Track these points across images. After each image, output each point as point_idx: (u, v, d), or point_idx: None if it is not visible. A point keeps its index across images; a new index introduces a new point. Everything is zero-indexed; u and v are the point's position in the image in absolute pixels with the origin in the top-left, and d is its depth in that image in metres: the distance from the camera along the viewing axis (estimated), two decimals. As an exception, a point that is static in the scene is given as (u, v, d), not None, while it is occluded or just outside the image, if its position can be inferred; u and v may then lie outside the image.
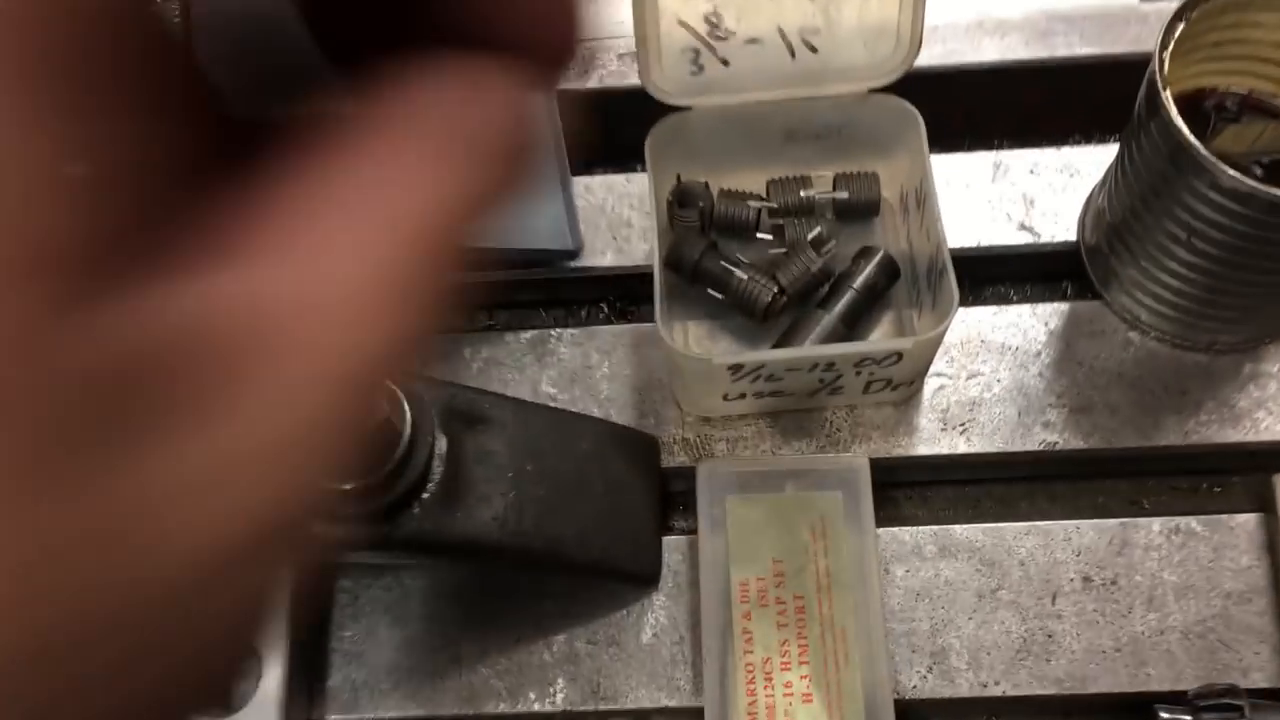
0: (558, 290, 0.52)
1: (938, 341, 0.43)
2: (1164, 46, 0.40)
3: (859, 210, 0.49)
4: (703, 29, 0.42)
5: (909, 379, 0.45)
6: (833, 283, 0.47)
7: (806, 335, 0.45)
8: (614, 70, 0.54)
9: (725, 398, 0.45)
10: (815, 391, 0.45)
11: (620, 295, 0.52)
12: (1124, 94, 0.44)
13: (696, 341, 0.49)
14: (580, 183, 0.51)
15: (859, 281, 0.47)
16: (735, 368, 0.41)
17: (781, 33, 0.44)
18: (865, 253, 0.48)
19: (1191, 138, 0.38)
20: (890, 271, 0.47)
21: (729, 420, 0.47)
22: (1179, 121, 0.38)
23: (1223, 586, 0.43)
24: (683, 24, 0.42)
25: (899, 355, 0.42)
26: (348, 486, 0.34)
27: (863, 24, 0.44)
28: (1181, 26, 0.41)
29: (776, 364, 0.42)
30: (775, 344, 0.46)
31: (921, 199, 0.45)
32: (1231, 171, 0.37)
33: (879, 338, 0.48)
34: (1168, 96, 0.39)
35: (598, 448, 0.45)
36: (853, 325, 0.47)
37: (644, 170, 0.45)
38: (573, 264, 0.51)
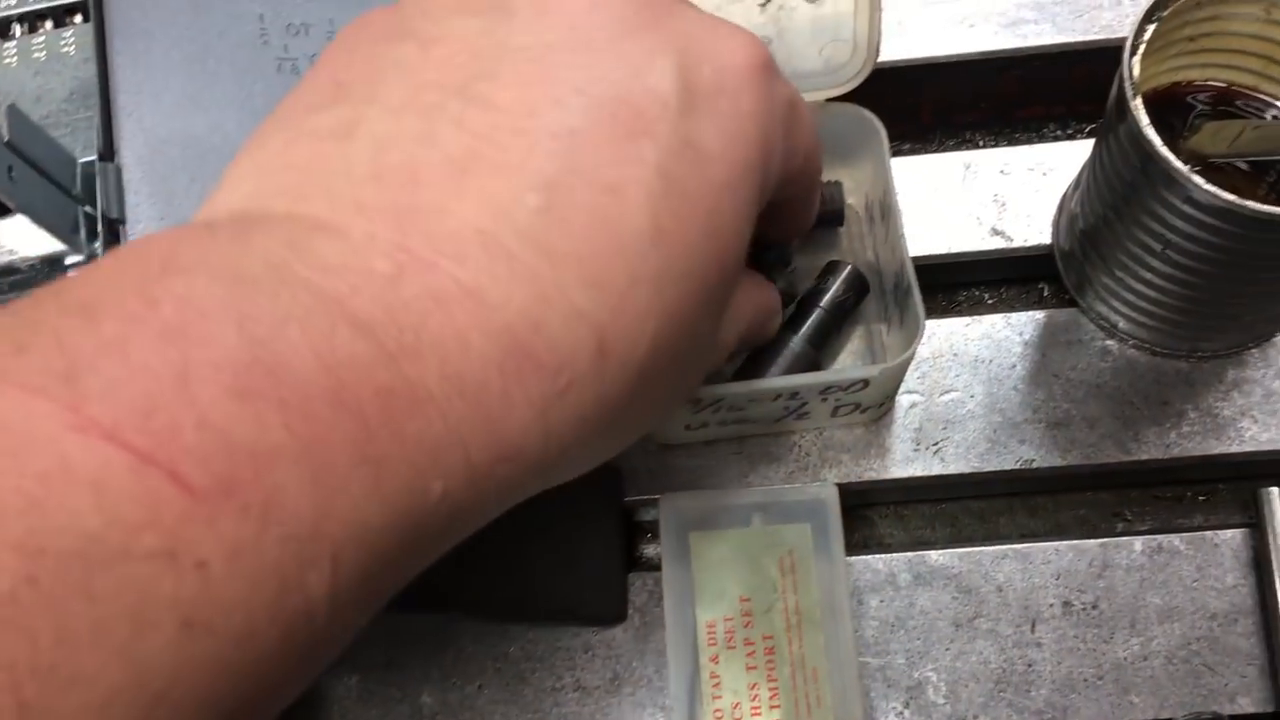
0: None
1: (905, 366, 0.41)
2: (1133, 51, 0.38)
3: (823, 220, 0.47)
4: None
5: (878, 401, 0.43)
6: (799, 300, 0.45)
7: (771, 361, 0.43)
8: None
9: (688, 427, 0.43)
10: (781, 418, 0.43)
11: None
12: (1099, 80, 0.42)
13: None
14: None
15: (826, 300, 0.45)
16: (693, 401, 0.40)
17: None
18: (832, 268, 0.45)
19: (1164, 149, 0.36)
20: (859, 287, 0.45)
21: (692, 448, 0.45)
22: (1150, 134, 0.36)
23: (1207, 607, 0.42)
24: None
25: (865, 382, 0.40)
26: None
27: (816, 32, 0.41)
28: (1152, 27, 0.38)
29: (737, 397, 0.40)
30: (738, 371, 0.44)
31: (886, 210, 0.43)
32: (1206, 185, 0.35)
33: (848, 356, 0.46)
34: (1138, 105, 0.37)
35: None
36: (821, 346, 0.45)
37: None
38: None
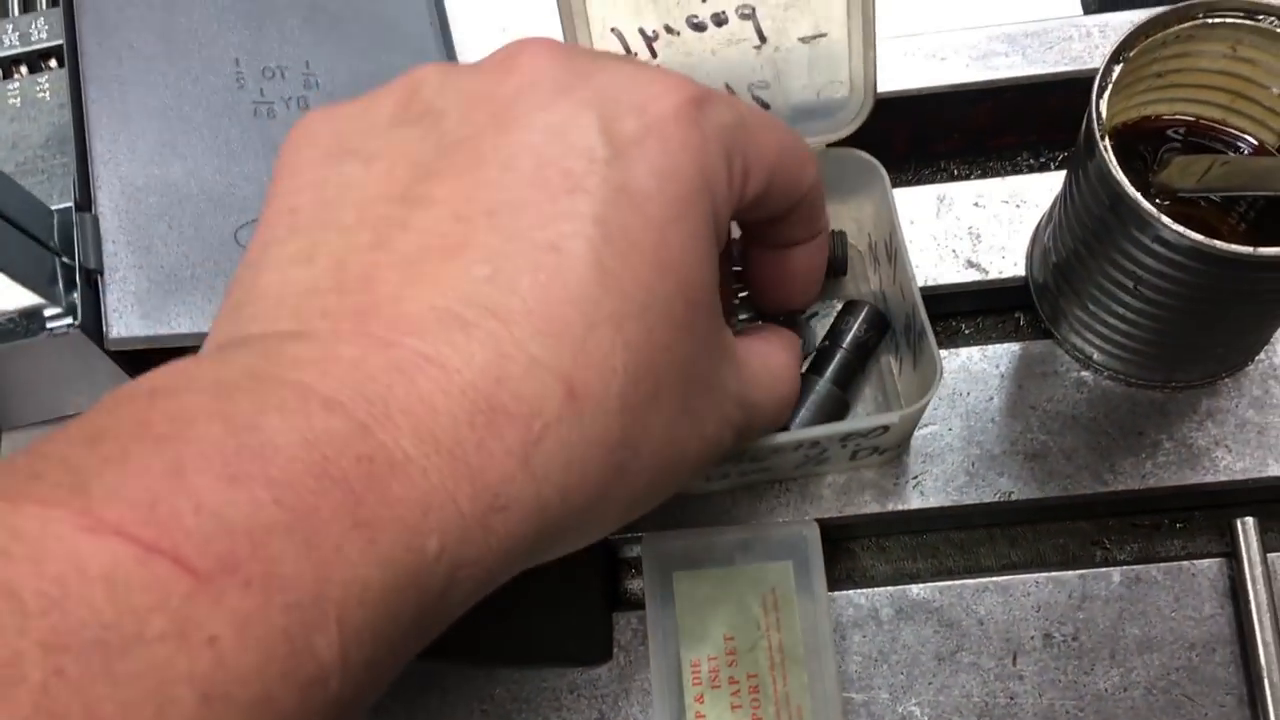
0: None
1: (923, 410, 0.41)
2: (1100, 91, 0.38)
3: (828, 269, 0.47)
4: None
5: (896, 444, 0.43)
6: (821, 343, 0.46)
7: (800, 404, 0.44)
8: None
9: (708, 479, 0.43)
10: (801, 465, 0.43)
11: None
12: (1071, 110, 0.42)
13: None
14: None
15: (848, 340, 0.45)
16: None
17: (729, 88, 0.42)
18: (851, 308, 0.46)
19: (1132, 190, 0.37)
20: (880, 326, 0.45)
21: (675, 486, 0.45)
22: (1119, 175, 0.37)
23: (1186, 637, 0.42)
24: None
25: (886, 428, 0.40)
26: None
27: (813, 74, 0.42)
28: (1119, 67, 0.39)
29: (760, 449, 0.40)
30: None
31: (892, 253, 0.43)
32: (1175, 226, 0.36)
33: (868, 395, 0.46)
34: (1106, 146, 0.37)
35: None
36: (847, 385, 0.45)
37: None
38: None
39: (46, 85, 0.47)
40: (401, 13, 0.53)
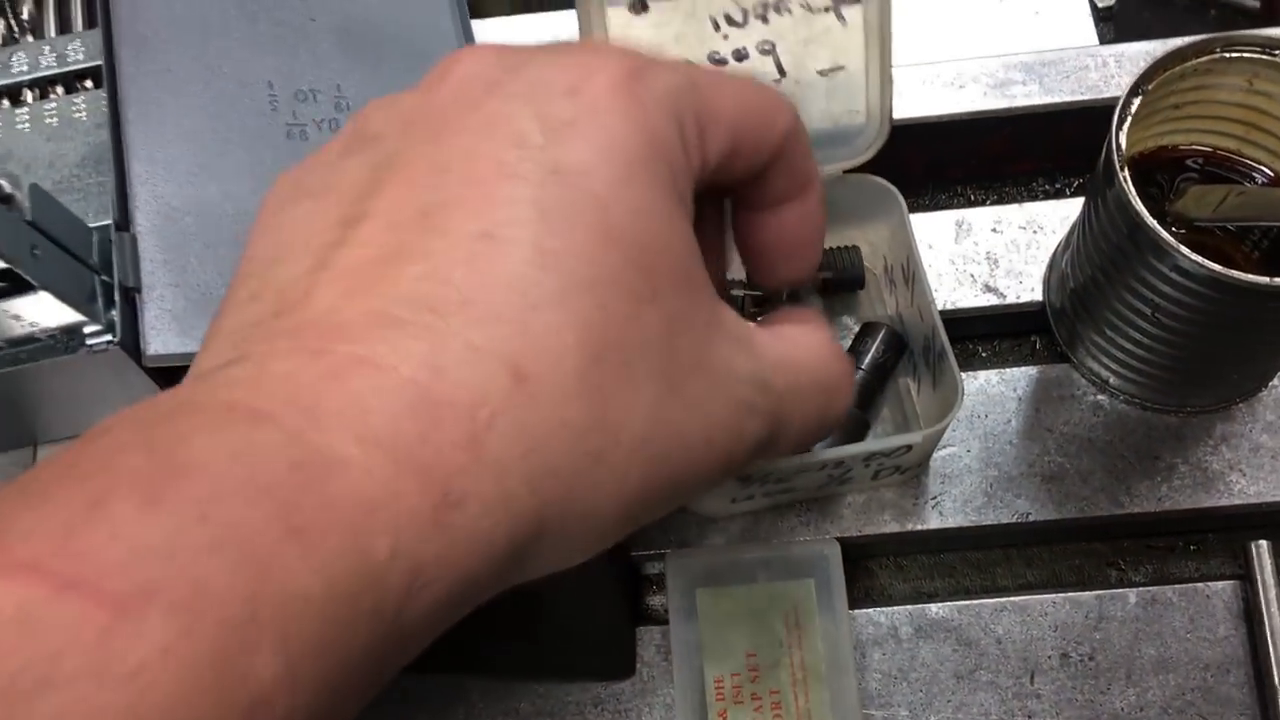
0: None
1: (944, 430, 0.42)
2: (1120, 123, 0.39)
3: (844, 286, 0.48)
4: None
5: (917, 463, 0.44)
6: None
7: None
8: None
9: (734, 500, 0.44)
10: (824, 485, 0.44)
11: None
12: (1087, 139, 0.43)
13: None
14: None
15: (867, 361, 0.46)
16: (744, 478, 0.41)
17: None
18: (869, 329, 0.47)
19: (1151, 220, 0.37)
20: (898, 347, 0.46)
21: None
22: (1138, 205, 0.38)
23: (1201, 658, 0.43)
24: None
25: (909, 447, 0.41)
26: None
27: (831, 105, 0.43)
28: (1138, 100, 0.40)
29: (786, 470, 0.40)
30: None
31: (909, 275, 0.44)
32: (1193, 255, 0.37)
33: (886, 416, 0.47)
34: (1125, 177, 0.38)
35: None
36: (867, 407, 0.46)
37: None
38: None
39: (83, 105, 0.48)
40: (429, 37, 0.54)
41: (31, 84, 0.49)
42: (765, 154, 0.31)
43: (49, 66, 0.49)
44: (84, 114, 0.48)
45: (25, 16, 0.55)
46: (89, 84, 0.49)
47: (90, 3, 0.52)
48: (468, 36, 0.54)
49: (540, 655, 0.43)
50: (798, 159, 0.32)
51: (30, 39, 0.54)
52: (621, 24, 0.39)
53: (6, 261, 0.34)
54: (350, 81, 0.49)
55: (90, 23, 0.53)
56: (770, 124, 0.31)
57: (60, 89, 0.49)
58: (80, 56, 0.49)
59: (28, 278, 0.35)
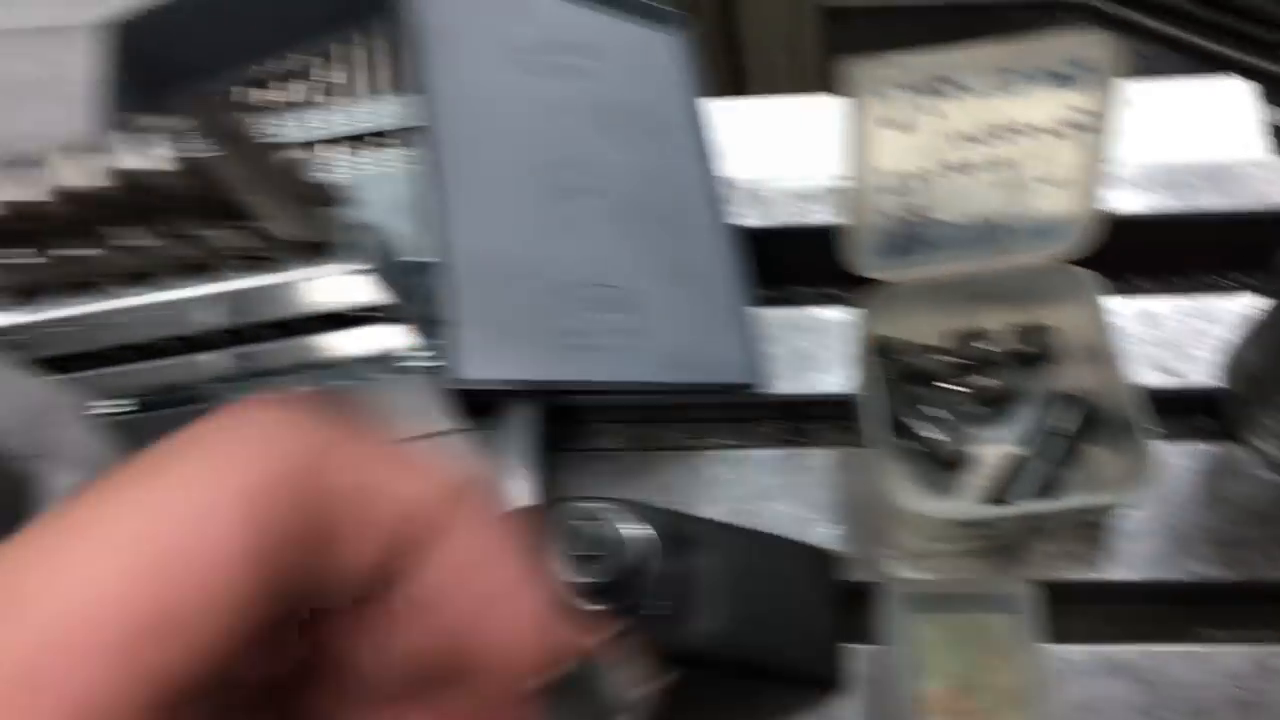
0: (737, 411, 0.58)
1: (1134, 494, 0.48)
2: (1319, 237, 0.45)
3: (1038, 360, 0.55)
4: (906, 216, 0.48)
5: (1102, 522, 0.50)
6: (1045, 434, 0.53)
7: (1026, 485, 0.51)
8: (791, 209, 0.60)
9: (951, 541, 0.50)
10: (1022, 535, 0.50)
11: (796, 418, 0.58)
12: (1255, 242, 0.50)
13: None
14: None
15: (1060, 427, 0.53)
16: (967, 523, 0.47)
17: (975, 217, 0.50)
18: (1066, 400, 0.53)
19: (1346, 323, 0.44)
20: (1087, 416, 0.53)
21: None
22: (1334, 309, 0.44)
23: (1363, 712, 0.48)
24: (887, 214, 0.48)
25: (1100, 508, 0.47)
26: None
27: (1047, 209, 0.49)
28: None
29: (1006, 519, 0.47)
30: (989, 495, 0.52)
31: (1099, 353, 0.51)
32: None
33: (1076, 479, 0.54)
34: (1323, 284, 0.44)
35: (789, 563, 0.51)
36: (1057, 467, 0.53)
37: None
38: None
39: (391, 159, 0.56)
40: (669, 112, 0.62)
41: (369, 135, 0.58)
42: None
43: (363, 122, 0.57)
44: (392, 167, 0.56)
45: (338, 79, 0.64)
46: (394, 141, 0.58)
47: (396, 70, 0.61)
48: (703, 118, 0.62)
49: (754, 651, 0.49)
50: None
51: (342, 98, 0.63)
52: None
53: (413, 312, 0.41)
54: (614, 152, 0.57)
55: (398, 88, 0.62)
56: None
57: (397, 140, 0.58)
58: (386, 120, 0.58)
59: (405, 314, 0.43)
